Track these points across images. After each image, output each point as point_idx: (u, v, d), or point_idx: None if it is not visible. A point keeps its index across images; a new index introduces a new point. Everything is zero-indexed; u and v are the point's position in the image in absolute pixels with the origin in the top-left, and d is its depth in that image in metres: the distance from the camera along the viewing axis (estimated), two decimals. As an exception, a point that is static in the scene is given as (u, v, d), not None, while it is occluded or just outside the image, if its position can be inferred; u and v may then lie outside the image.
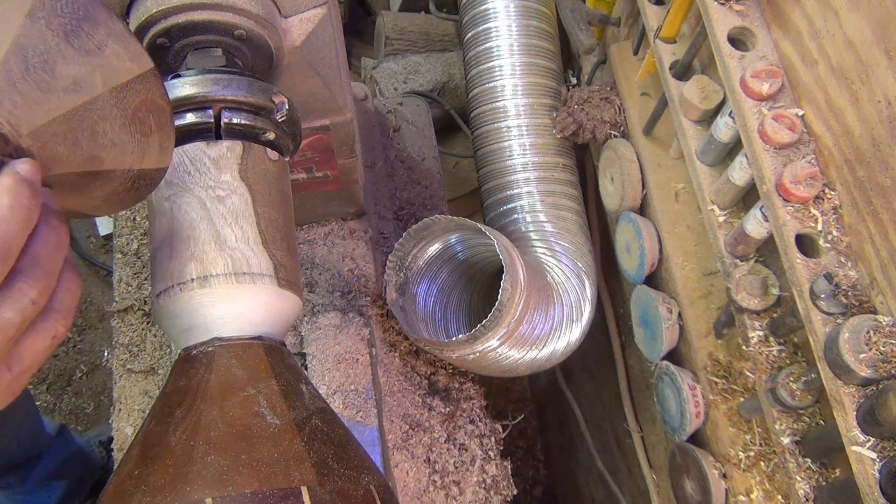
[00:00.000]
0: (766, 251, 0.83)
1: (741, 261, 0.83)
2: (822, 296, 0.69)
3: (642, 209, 1.07)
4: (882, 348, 0.63)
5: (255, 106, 0.55)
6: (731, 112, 0.80)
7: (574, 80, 1.21)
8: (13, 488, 1.54)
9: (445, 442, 0.96)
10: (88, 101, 0.39)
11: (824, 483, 0.74)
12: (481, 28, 1.15)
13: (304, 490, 0.43)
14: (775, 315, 0.80)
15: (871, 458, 0.63)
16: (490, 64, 1.14)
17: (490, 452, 0.97)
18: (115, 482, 0.46)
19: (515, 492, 0.97)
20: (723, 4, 0.81)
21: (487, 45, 1.14)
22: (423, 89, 1.54)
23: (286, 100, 0.57)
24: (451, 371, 1.03)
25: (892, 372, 0.63)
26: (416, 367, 1.00)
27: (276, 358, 0.51)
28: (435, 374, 1.02)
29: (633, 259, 1.02)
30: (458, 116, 1.54)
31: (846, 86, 0.70)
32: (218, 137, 0.54)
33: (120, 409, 1.02)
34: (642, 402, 1.22)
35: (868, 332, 0.64)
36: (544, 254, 1.06)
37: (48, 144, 0.38)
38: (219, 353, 0.50)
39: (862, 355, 0.63)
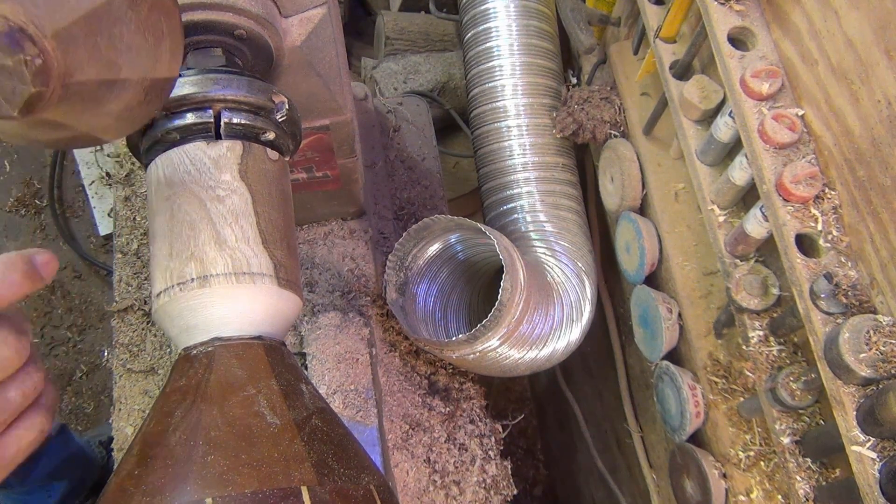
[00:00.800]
0: (766, 251, 0.83)
1: (741, 261, 0.83)
2: (822, 295, 0.69)
3: (642, 209, 1.07)
4: (882, 348, 0.63)
5: (255, 106, 0.55)
6: (731, 112, 0.80)
7: (574, 80, 1.21)
8: (13, 488, 1.54)
9: (445, 442, 0.96)
10: (105, 2, 0.40)
11: (824, 483, 0.74)
12: (481, 28, 1.15)
13: (304, 490, 0.43)
14: (775, 315, 0.80)
15: (871, 458, 0.63)
16: (490, 64, 1.14)
17: (490, 452, 0.97)
18: (115, 482, 0.46)
19: (515, 492, 0.97)
20: (723, 4, 0.81)
21: (487, 44, 1.14)
22: (423, 89, 1.54)
23: (286, 99, 0.57)
24: (451, 371, 1.03)
25: (892, 372, 0.63)
26: (416, 367, 1.00)
27: (276, 358, 0.51)
28: (435, 374, 1.02)
29: (633, 259, 1.02)
30: (458, 116, 1.54)
31: (846, 86, 0.70)
32: (218, 137, 0.54)
33: (120, 409, 1.02)
34: (642, 402, 1.22)
35: (868, 331, 0.64)
36: (544, 254, 1.06)
37: (70, 47, 0.38)
38: (219, 352, 0.50)
39: (862, 355, 0.63)
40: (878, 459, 0.63)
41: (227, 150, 0.53)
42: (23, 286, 0.44)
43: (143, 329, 1.06)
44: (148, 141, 0.54)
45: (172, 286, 0.51)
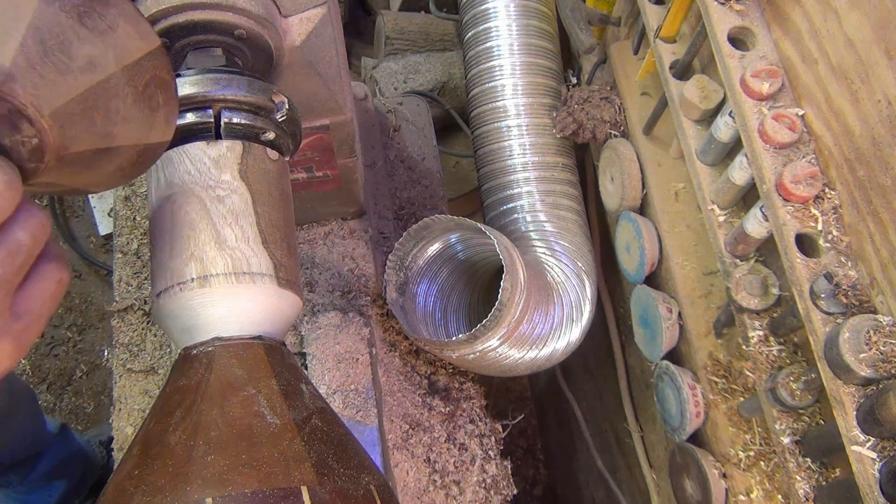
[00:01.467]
0: (766, 251, 0.83)
1: (741, 260, 0.83)
2: (823, 295, 0.69)
3: (642, 209, 1.07)
4: (882, 348, 0.63)
5: (255, 105, 0.55)
6: (731, 112, 0.80)
7: (574, 80, 1.21)
8: (14, 487, 1.54)
9: (445, 442, 0.96)
10: (103, 80, 0.40)
11: (824, 483, 0.74)
12: (481, 27, 1.15)
13: (304, 490, 0.43)
14: (775, 315, 0.80)
15: (871, 458, 0.63)
16: (490, 63, 1.13)
17: (490, 452, 0.97)
18: (115, 482, 0.46)
19: (515, 491, 0.97)
20: (723, 4, 0.81)
21: (487, 44, 1.14)
22: (423, 89, 1.54)
23: (286, 99, 0.57)
24: (451, 371, 1.03)
25: (893, 372, 0.63)
26: (416, 367, 1.00)
27: (277, 357, 0.51)
28: (435, 374, 1.02)
29: (633, 259, 1.02)
30: (458, 116, 1.54)
31: (846, 85, 0.70)
32: (218, 137, 0.54)
33: (120, 409, 1.02)
34: (642, 402, 1.22)
35: (868, 331, 0.64)
36: (544, 253, 1.06)
37: (67, 124, 0.39)
38: (219, 352, 0.50)
39: (862, 355, 0.63)
40: (878, 459, 0.63)
41: (227, 150, 0.53)
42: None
43: (143, 329, 1.06)
44: (148, 141, 0.54)
45: (172, 286, 0.51)
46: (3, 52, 0.36)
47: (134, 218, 1.15)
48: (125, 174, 0.47)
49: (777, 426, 0.77)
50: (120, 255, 1.12)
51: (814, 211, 0.72)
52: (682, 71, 0.92)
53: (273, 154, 0.56)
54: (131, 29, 0.42)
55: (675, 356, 0.98)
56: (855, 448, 0.64)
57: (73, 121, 0.39)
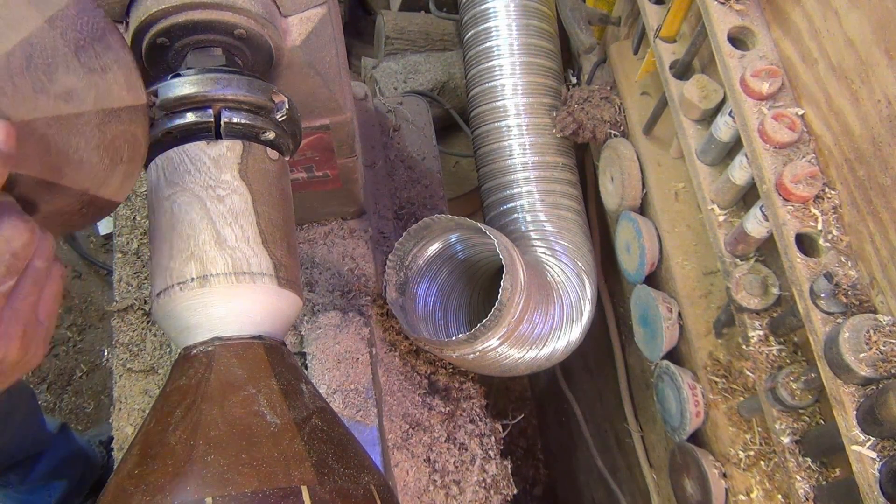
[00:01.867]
0: (766, 250, 0.83)
1: (741, 260, 0.83)
2: (822, 295, 0.69)
3: (642, 209, 1.07)
4: (882, 347, 0.63)
5: (255, 105, 0.55)
6: (731, 111, 0.79)
7: (574, 80, 1.21)
8: (14, 487, 1.54)
9: (445, 441, 0.96)
10: (74, 115, 0.41)
11: (824, 482, 0.74)
12: (481, 27, 1.15)
13: (304, 489, 0.43)
14: (775, 314, 0.80)
15: (871, 458, 0.63)
16: (490, 63, 1.13)
17: (490, 452, 0.97)
18: (115, 481, 0.46)
19: (515, 491, 0.97)
20: (723, 4, 0.81)
21: (487, 44, 1.14)
22: (423, 89, 1.54)
23: (286, 99, 0.57)
24: (451, 371, 1.03)
25: (892, 371, 0.63)
26: (416, 367, 1.00)
27: (276, 357, 0.51)
28: (435, 374, 1.02)
29: (633, 258, 1.02)
30: (458, 116, 1.54)
31: (846, 85, 0.70)
32: (218, 137, 0.54)
33: (120, 409, 1.02)
34: (642, 402, 1.22)
35: (868, 331, 0.64)
36: (544, 253, 1.06)
37: (22, 140, 0.39)
38: (219, 352, 0.50)
39: (862, 355, 0.63)
40: (878, 459, 0.63)
41: (227, 150, 0.53)
42: None
43: (143, 329, 1.06)
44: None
45: (172, 286, 0.51)
46: None
47: (134, 218, 1.15)
48: (64, 222, 0.47)
49: (777, 426, 0.77)
50: (120, 255, 1.12)
51: (814, 211, 0.72)
52: (682, 71, 0.92)
53: (273, 154, 0.56)
54: (122, 77, 0.43)
55: (675, 356, 0.98)
56: (855, 448, 0.64)
57: (29, 140, 0.39)
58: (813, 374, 0.72)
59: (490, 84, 1.13)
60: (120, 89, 0.43)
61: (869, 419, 0.63)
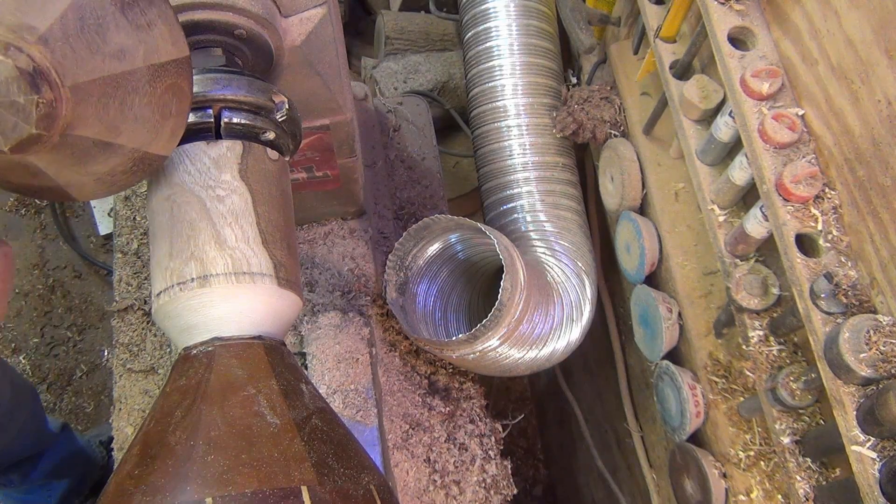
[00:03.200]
0: (766, 251, 0.83)
1: (741, 260, 0.83)
2: (823, 295, 0.69)
3: (642, 209, 1.07)
4: (882, 348, 0.63)
5: (255, 105, 0.55)
6: (731, 111, 0.79)
7: (574, 80, 1.21)
8: (15, 486, 1.54)
9: (445, 441, 0.96)
10: (127, 72, 0.41)
11: (824, 482, 0.74)
12: (481, 27, 1.15)
13: (304, 489, 0.43)
14: (775, 315, 0.80)
15: (871, 458, 0.63)
16: (490, 63, 1.13)
17: (490, 452, 0.97)
18: (115, 481, 0.46)
19: (515, 491, 0.97)
20: (723, 4, 0.81)
21: (487, 44, 1.14)
22: (423, 89, 1.54)
23: (286, 99, 0.56)
24: (451, 371, 1.03)
25: (892, 371, 0.63)
26: (416, 367, 1.00)
27: (276, 357, 0.51)
28: (435, 374, 1.02)
29: (633, 259, 1.02)
30: (458, 116, 1.54)
31: (846, 85, 0.70)
32: (218, 137, 0.54)
33: (120, 409, 1.02)
34: (642, 402, 1.22)
35: (868, 331, 0.64)
36: (544, 253, 1.06)
37: (82, 102, 0.39)
38: (219, 352, 0.50)
39: (862, 355, 0.63)
40: (878, 459, 0.63)
41: (227, 150, 0.53)
42: None
43: (143, 329, 1.06)
44: (148, 141, 0.54)
45: (172, 286, 0.51)
46: (43, 17, 0.37)
47: (134, 218, 1.15)
48: (114, 181, 0.47)
49: (777, 426, 0.77)
50: (120, 255, 1.12)
51: (814, 211, 0.72)
52: (682, 71, 0.92)
53: (273, 154, 0.56)
54: (167, 32, 0.43)
55: (675, 356, 0.98)
56: (855, 448, 0.64)
57: (89, 101, 0.40)
58: (813, 375, 0.72)
59: (490, 84, 1.13)
60: (165, 43, 0.43)
61: (869, 419, 0.63)
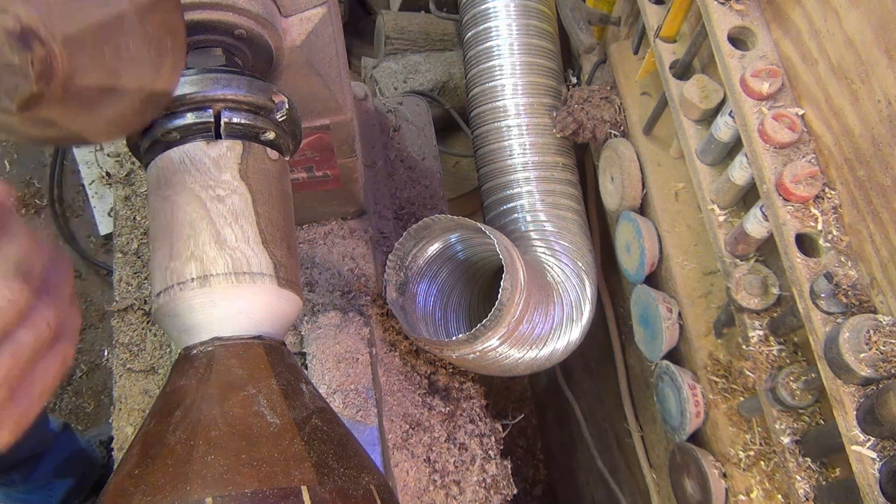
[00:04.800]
0: (766, 251, 0.83)
1: (741, 260, 0.83)
2: (823, 295, 0.69)
3: (642, 209, 1.07)
4: (882, 348, 0.63)
5: (255, 105, 0.55)
6: (731, 111, 0.79)
7: (574, 80, 1.21)
8: (15, 486, 1.54)
9: (445, 441, 0.96)
10: (115, 15, 0.41)
11: (824, 482, 0.74)
12: (481, 27, 1.15)
13: (304, 490, 0.43)
14: (775, 314, 0.80)
15: (871, 458, 0.63)
16: (490, 63, 1.13)
17: (490, 452, 0.97)
18: (115, 481, 0.46)
19: (515, 491, 0.97)
20: (723, 4, 0.81)
21: (487, 44, 1.14)
22: (423, 89, 1.54)
23: (286, 99, 0.57)
24: (451, 370, 1.03)
25: (893, 371, 0.63)
26: (416, 367, 1.00)
27: (277, 357, 0.51)
28: (435, 374, 1.02)
29: (633, 258, 1.02)
30: (458, 116, 1.54)
31: (846, 85, 0.70)
32: (218, 137, 0.54)
33: (120, 409, 1.02)
34: (642, 402, 1.22)
35: (868, 331, 0.64)
36: (544, 253, 1.06)
37: (76, 53, 0.39)
38: (219, 352, 0.50)
39: (862, 355, 0.63)
40: (878, 459, 0.63)
41: (228, 150, 0.53)
42: None
43: (143, 329, 1.06)
44: (148, 140, 0.54)
45: (172, 286, 0.51)
46: None
47: (134, 218, 1.15)
48: (126, 122, 0.47)
49: (777, 426, 0.77)
50: (120, 255, 1.12)
51: (814, 211, 0.72)
52: (682, 71, 0.92)
53: (273, 154, 0.56)
54: None
55: (675, 356, 0.98)
56: (855, 448, 0.64)
57: (83, 50, 0.40)
58: (813, 374, 0.72)
59: (490, 84, 1.13)
60: None
61: (869, 419, 0.63)
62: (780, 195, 0.73)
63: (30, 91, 0.37)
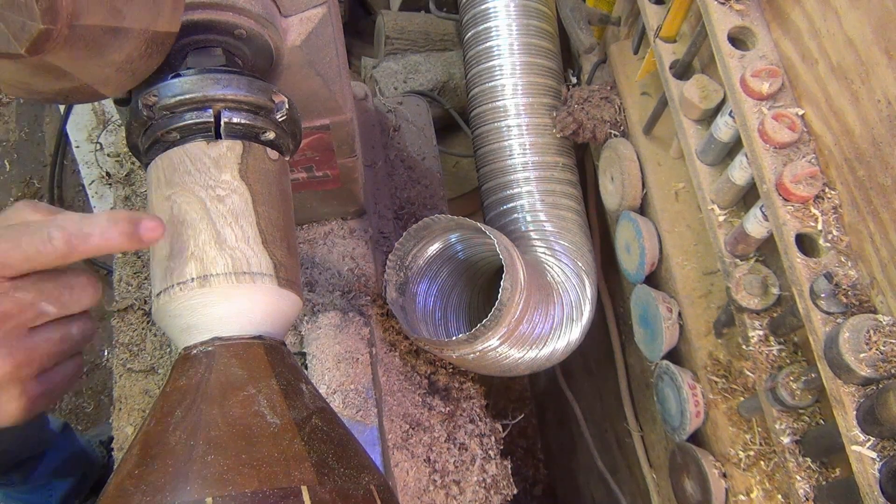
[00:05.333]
0: (766, 250, 0.83)
1: (741, 260, 0.83)
2: (823, 295, 0.69)
3: (642, 209, 1.07)
4: (882, 348, 0.63)
5: (255, 105, 0.55)
6: (731, 111, 0.80)
7: (574, 80, 1.21)
8: (15, 486, 1.54)
9: (445, 441, 0.96)
10: None
11: (824, 482, 0.74)
12: (481, 27, 1.15)
13: (304, 490, 0.43)
14: (775, 314, 0.80)
15: (871, 458, 0.63)
16: (490, 63, 1.13)
17: (490, 452, 0.97)
18: (115, 481, 0.46)
19: (515, 491, 0.97)
20: (723, 4, 0.81)
21: (487, 44, 1.14)
22: (423, 89, 1.54)
23: (286, 99, 0.57)
24: (451, 370, 1.03)
25: (893, 371, 0.63)
26: (416, 367, 1.00)
27: (277, 357, 0.51)
28: (435, 374, 1.02)
29: (633, 258, 1.02)
30: (458, 116, 1.54)
31: (846, 85, 0.70)
32: (218, 137, 0.54)
33: (120, 409, 1.02)
34: (642, 402, 1.22)
35: (868, 331, 0.64)
36: (544, 253, 1.06)
37: None
38: (219, 352, 0.50)
39: (862, 355, 0.63)
40: (878, 459, 0.63)
41: (227, 150, 0.53)
42: (117, 242, 0.48)
43: (143, 329, 1.06)
44: (148, 140, 0.54)
45: (172, 286, 0.51)
46: None
47: (134, 218, 1.14)
48: (134, 68, 0.47)
49: (777, 426, 0.77)
50: (120, 255, 1.12)
51: (814, 211, 0.72)
52: (682, 71, 0.92)
53: (273, 154, 0.56)
54: None
55: (675, 356, 0.98)
56: (855, 448, 0.64)
57: None
58: (813, 374, 0.72)
59: (490, 84, 1.13)
60: None
61: (869, 419, 0.63)
62: (780, 195, 0.73)
63: (37, 29, 0.38)
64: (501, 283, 0.84)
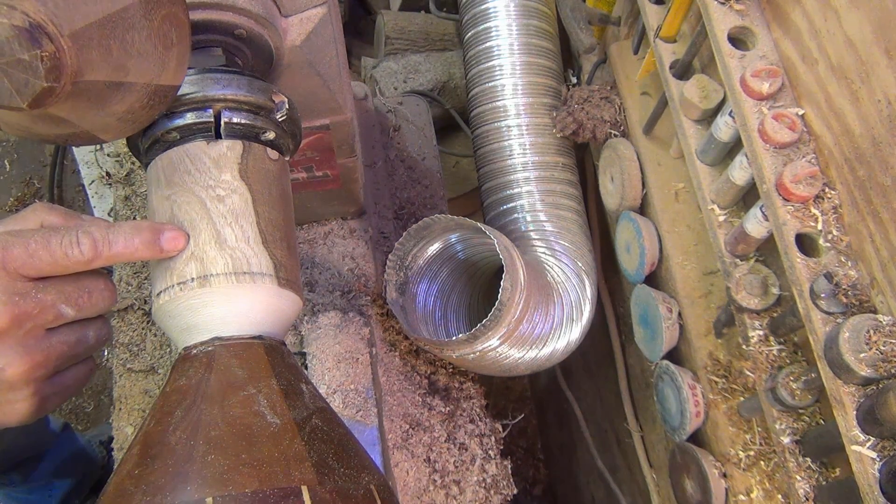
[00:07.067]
0: (766, 250, 0.83)
1: (741, 260, 0.83)
2: (823, 295, 0.69)
3: (642, 208, 1.07)
4: (882, 347, 0.63)
5: (256, 105, 0.55)
6: (731, 111, 0.80)
7: (574, 80, 1.21)
8: (15, 486, 1.54)
9: (445, 441, 0.96)
10: (121, 10, 0.42)
11: (824, 482, 0.74)
12: (481, 27, 1.15)
13: (304, 489, 0.43)
14: (775, 314, 0.80)
15: (871, 458, 0.63)
16: (490, 63, 1.13)
17: (490, 452, 0.97)
18: (115, 481, 0.46)
19: (515, 491, 0.97)
20: (723, 4, 0.81)
21: (487, 44, 1.14)
22: (423, 89, 1.54)
23: (286, 99, 0.57)
24: (451, 370, 1.03)
25: (893, 371, 0.63)
26: (416, 367, 1.00)
27: (277, 357, 0.51)
28: (435, 374, 1.02)
29: (633, 258, 1.02)
30: (458, 116, 1.54)
31: (846, 85, 0.70)
32: (218, 137, 0.54)
33: (120, 409, 1.02)
34: (642, 402, 1.22)
35: (868, 331, 0.64)
36: (544, 253, 1.06)
37: (84, 48, 0.40)
38: (219, 352, 0.50)
39: (862, 355, 0.63)
40: (878, 459, 0.63)
41: (228, 150, 0.54)
42: (140, 250, 0.49)
43: (143, 329, 1.06)
44: (148, 140, 0.55)
45: (172, 286, 0.51)
46: None
47: (134, 218, 1.15)
48: (135, 118, 0.48)
49: (777, 426, 0.77)
50: (120, 255, 1.11)
51: (814, 211, 0.72)
52: (682, 71, 0.92)
53: (273, 154, 0.56)
54: None
55: (675, 356, 0.98)
56: (855, 448, 0.64)
57: (91, 45, 0.40)
58: (813, 374, 0.72)
59: (490, 84, 1.13)
60: None
61: (869, 419, 0.63)
62: (780, 195, 0.73)
63: (40, 87, 0.38)
64: (501, 283, 0.84)
